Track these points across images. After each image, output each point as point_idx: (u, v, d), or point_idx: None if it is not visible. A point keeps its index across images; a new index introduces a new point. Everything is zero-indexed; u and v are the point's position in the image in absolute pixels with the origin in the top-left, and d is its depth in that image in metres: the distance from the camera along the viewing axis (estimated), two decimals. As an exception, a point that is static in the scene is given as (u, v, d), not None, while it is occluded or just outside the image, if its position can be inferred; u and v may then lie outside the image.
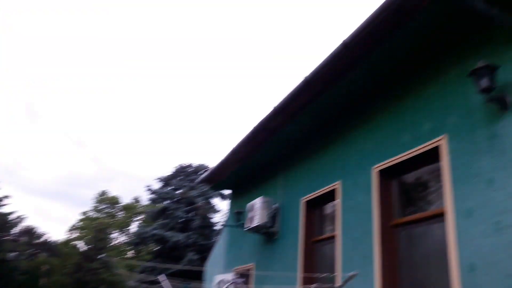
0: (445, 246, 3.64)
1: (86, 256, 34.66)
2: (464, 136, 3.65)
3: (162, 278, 7.06)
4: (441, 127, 3.92)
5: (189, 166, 25.48)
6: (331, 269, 5.23)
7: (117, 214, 44.24)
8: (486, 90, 3.24)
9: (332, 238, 5.49)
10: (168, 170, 30.09)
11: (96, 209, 43.96)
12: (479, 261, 3.26)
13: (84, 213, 43.47)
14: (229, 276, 8.10)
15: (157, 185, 25.24)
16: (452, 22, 3.83)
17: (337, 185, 5.43)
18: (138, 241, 23.14)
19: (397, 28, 3.95)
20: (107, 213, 43.96)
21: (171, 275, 18.30)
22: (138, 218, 42.73)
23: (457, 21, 3.78)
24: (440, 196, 3.98)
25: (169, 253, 21.60)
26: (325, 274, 4.83)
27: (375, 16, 3.84)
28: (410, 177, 4.56)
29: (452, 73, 3.93)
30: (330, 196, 5.70)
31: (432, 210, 4.12)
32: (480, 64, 3.25)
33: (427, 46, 4.20)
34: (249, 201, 7.49)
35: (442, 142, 3.85)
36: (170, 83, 71.69)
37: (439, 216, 3.87)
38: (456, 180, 3.64)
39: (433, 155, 4.01)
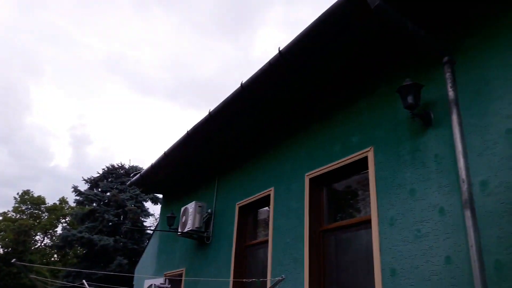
0: (370, 251, 3.83)
1: (4, 259, 32.35)
2: (390, 148, 3.86)
3: (84, 283, 6.76)
4: (369, 139, 4.12)
5: (121, 167, 24.62)
6: (263, 273, 5.30)
7: (41, 215, 41.79)
8: (411, 107, 3.44)
9: (264, 242, 5.57)
10: (98, 171, 28.90)
11: (17, 210, 41.25)
12: (400, 266, 3.45)
13: (4, 213, 40.64)
14: (159, 281, 7.95)
15: (85, 186, 24.17)
16: (384, 41, 4.04)
17: (271, 191, 5.52)
18: (63, 244, 21.92)
19: (332, 42, 4.10)
20: (30, 214, 41.40)
21: (98, 280, 17.59)
22: (64, 220, 40.67)
23: (389, 40, 4.00)
24: (367, 204, 4.18)
25: (96, 257, 20.71)
26: (253, 279, 4.89)
27: (311, 28, 3.95)
28: (340, 185, 4.74)
29: (381, 89, 4.15)
30: (264, 201, 5.78)
31: (359, 217, 4.32)
32: (407, 82, 3.45)
33: (360, 62, 4.40)
34: (183, 206, 7.41)
35: (369, 154, 4.05)
36: (109, 74, 69.05)
37: (365, 223, 4.06)
38: (381, 189, 3.84)
39: (361, 166, 4.21)
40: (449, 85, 3.33)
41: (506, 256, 2.74)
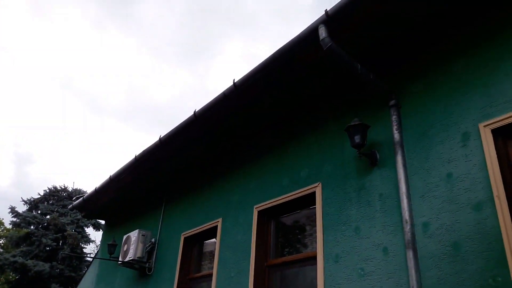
0: (315, 289, 3.79)
1: None
2: (337, 185, 3.90)
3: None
4: (317, 175, 4.16)
5: (64, 189, 23.58)
6: (205, 307, 5.13)
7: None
8: (358, 146, 3.51)
9: (209, 276, 5.40)
10: (39, 192, 27.48)
11: None
12: (343, 306, 3.43)
13: None
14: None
15: (23, 208, 22.88)
16: (335, 81, 4.15)
17: (218, 222, 5.41)
18: (-7, 269, 20.46)
19: (285, 78, 4.15)
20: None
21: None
22: (-4, 242, 38.05)
23: (340, 80, 4.11)
24: (313, 239, 4.17)
25: (30, 284, 19.46)
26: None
27: (266, 63, 3.99)
28: (288, 219, 4.72)
29: (330, 126, 4.22)
30: (211, 233, 5.64)
31: (305, 252, 4.29)
32: (355, 121, 3.53)
33: (311, 98, 4.48)
34: (126, 233, 7.10)
35: (317, 189, 4.07)
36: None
37: (311, 259, 4.03)
38: (327, 226, 3.85)
39: (309, 200, 4.22)
40: (394, 127, 3.45)
41: (446, 299, 2.79)
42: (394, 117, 3.48)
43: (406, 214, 3.15)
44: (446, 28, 3.45)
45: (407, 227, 3.11)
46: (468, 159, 2.97)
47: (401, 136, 3.41)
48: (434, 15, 3.37)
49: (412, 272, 2.97)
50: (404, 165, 3.30)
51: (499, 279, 2.57)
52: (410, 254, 3.03)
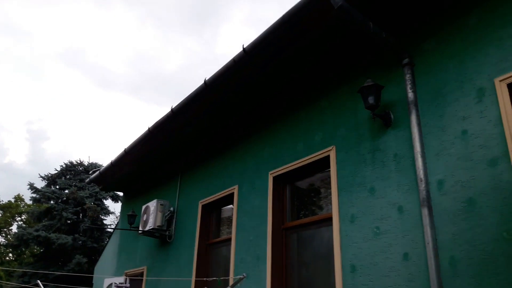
0: (331, 248, 3.88)
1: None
2: (351, 147, 3.93)
3: (38, 283, 6.58)
4: (331, 138, 4.18)
5: (80, 164, 23.92)
6: (226, 271, 5.29)
7: (-6, 213, 40.08)
8: (372, 107, 3.50)
9: (228, 240, 5.55)
10: (55, 168, 27.93)
11: (-31, 208, 39.42)
12: (359, 263, 3.52)
13: (-47, 212, 38.72)
14: (119, 280, 7.79)
15: (42, 183, 23.31)
16: (346, 41, 4.09)
17: (234, 189, 5.50)
18: (19, 243, 21.09)
19: (295, 41, 4.10)
20: (-18, 212, 39.65)
21: (55, 280, 17.07)
22: (19, 218, 39.18)
23: (350, 40, 4.05)
24: (328, 202, 4.24)
25: (54, 256, 20.09)
26: (214, 278, 4.87)
27: (275, 27, 3.94)
28: (303, 183, 4.78)
29: (343, 89, 4.20)
30: (228, 199, 5.75)
31: (320, 214, 4.37)
32: (368, 82, 3.50)
33: (322, 61, 4.44)
34: (144, 204, 7.27)
35: (331, 153, 4.10)
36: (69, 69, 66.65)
37: (327, 221, 4.11)
38: (342, 188, 3.90)
39: (323, 164, 4.26)
40: (408, 86, 3.42)
41: (461, 253, 2.84)
42: (407, 76, 3.44)
43: (421, 173, 3.17)
44: (459, -18, 3.35)
45: (422, 186, 3.14)
46: (483, 115, 2.95)
47: (415, 95, 3.39)
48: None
49: (427, 228, 3.02)
50: (419, 124, 3.30)
51: (515, 231, 2.60)
52: (425, 211, 3.07)
